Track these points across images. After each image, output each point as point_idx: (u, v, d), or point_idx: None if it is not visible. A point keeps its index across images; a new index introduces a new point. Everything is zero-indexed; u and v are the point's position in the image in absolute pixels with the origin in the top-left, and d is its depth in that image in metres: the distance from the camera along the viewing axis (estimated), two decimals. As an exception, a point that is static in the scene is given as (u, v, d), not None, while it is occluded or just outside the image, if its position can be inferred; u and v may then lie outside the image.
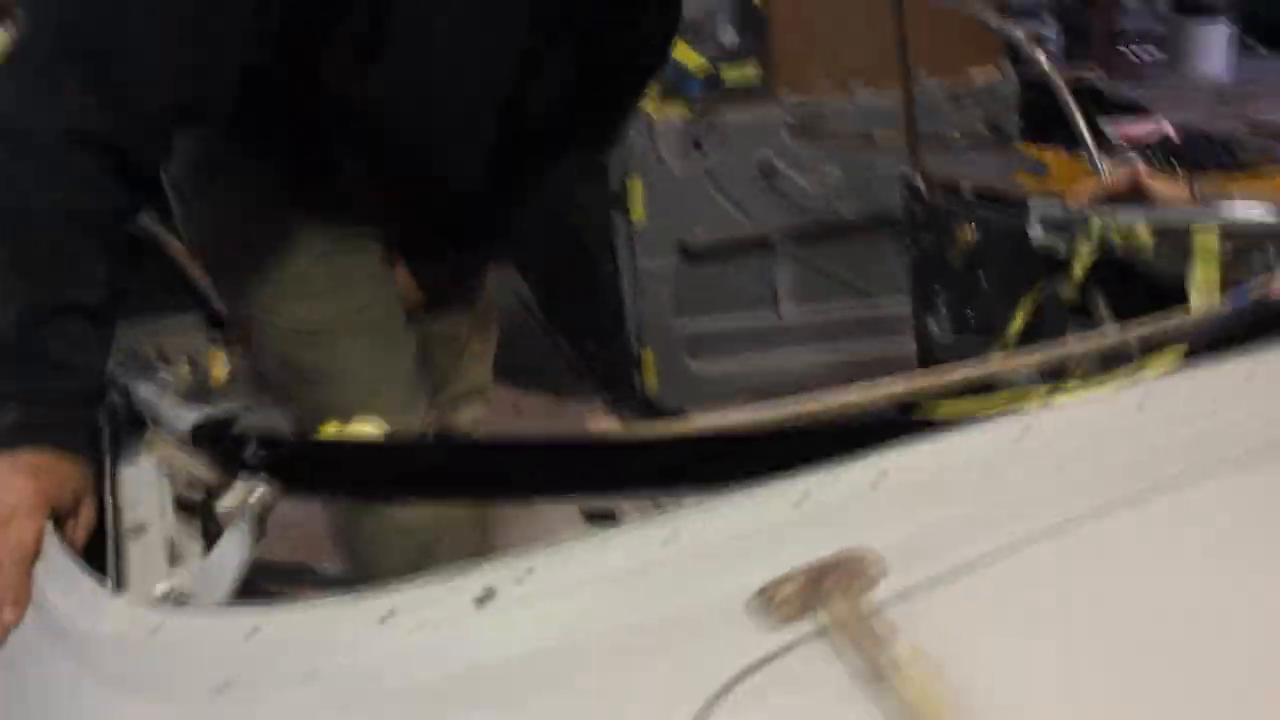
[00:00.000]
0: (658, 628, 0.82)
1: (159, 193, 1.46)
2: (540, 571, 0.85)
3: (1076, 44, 9.42)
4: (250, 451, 0.91)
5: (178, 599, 0.93)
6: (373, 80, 1.39)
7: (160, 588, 0.97)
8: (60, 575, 0.95)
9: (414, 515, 1.46)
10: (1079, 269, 2.01)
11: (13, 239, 1.07)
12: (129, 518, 1.07)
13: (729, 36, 3.37)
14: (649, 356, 3.55)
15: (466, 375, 1.84)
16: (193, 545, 1.02)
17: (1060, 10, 9.65)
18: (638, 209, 3.42)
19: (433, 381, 1.75)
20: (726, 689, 0.76)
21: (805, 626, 0.80)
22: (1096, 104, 4.13)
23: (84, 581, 0.92)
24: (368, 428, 1.00)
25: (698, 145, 3.41)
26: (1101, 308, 2.00)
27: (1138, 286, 1.91)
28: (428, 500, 1.18)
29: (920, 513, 0.90)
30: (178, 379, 1.20)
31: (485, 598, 0.83)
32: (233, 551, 0.92)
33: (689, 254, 3.53)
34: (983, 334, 2.29)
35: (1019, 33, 2.41)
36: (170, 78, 1.16)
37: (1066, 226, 2.04)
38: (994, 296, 2.26)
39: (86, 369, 1.07)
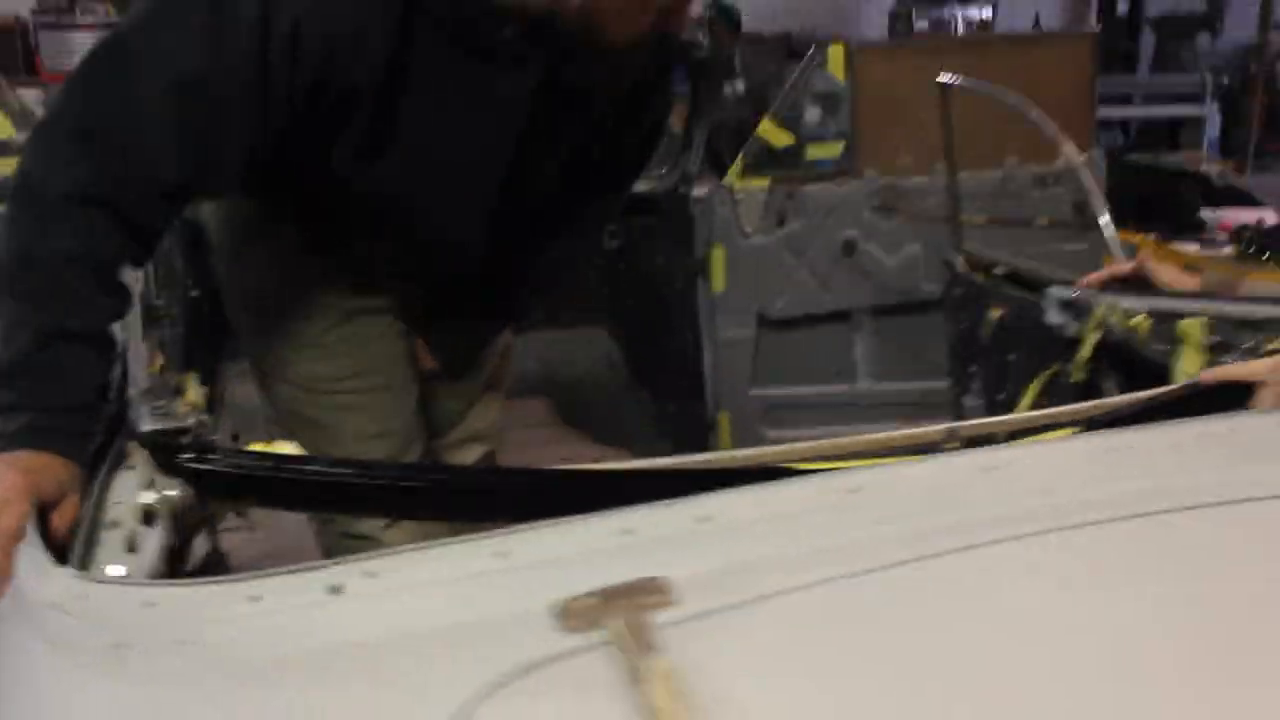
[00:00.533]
0: (471, 627, 0.95)
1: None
2: (385, 572, 1.00)
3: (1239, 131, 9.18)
4: (176, 459, 1.08)
5: (113, 578, 1.10)
6: (377, 173, 1.58)
7: (109, 570, 1.15)
8: (29, 555, 1.14)
9: (366, 525, 1.63)
10: (1085, 350, 2.06)
11: (23, 275, 1.29)
12: (111, 514, 1.26)
13: (813, 115, 3.50)
14: (724, 421, 3.66)
15: (471, 424, 2.01)
16: (152, 539, 1.20)
17: (1223, 95, 9.41)
18: (719, 279, 3.56)
19: (439, 425, 1.92)
20: (504, 682, 0.89)
21: (593, 637, 0.93)
22: (1205, 194, 4.10)
23: (42, 560, 1.11)
24: (288, 447, 1.17)
25: (780, 220, 3.53)
26: (1109, 389, 2.04)
27: (1137, 369, 1.96)
28: (318, 510, 1.34)
29: (731, 551, 1.02)
30: (179, 402, 1.38)
31: (337, 589, 0.98)
32: (152, 541, 1.09)
33: (768, 323, 3.64)
34: (1011, 411, 2.34)
35: (1053, 126, 2.46)
36: (169, 163, 1.38)
37: (1079, 310, 2.09)
38: (1020, 375, 2.32)
39: (83, 386, 1.28)
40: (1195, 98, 9.40)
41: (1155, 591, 1.01)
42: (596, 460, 3.76)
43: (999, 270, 2.42)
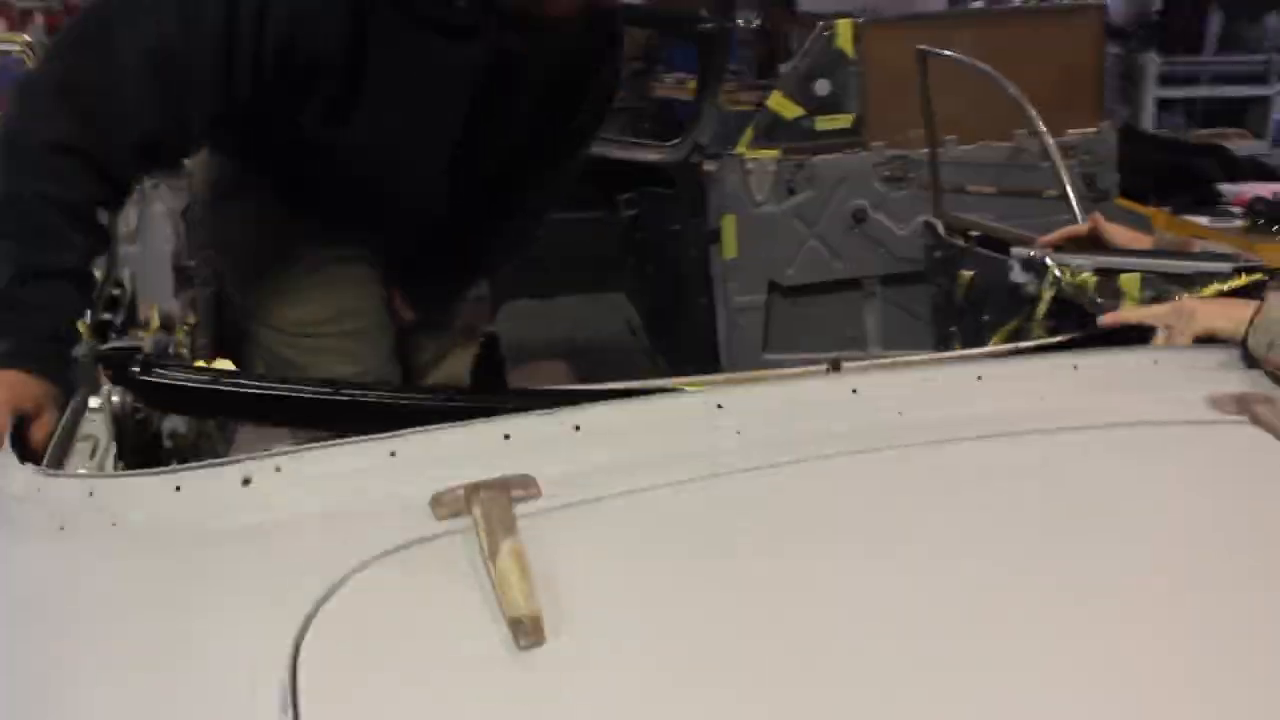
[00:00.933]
0: (358, 514, 1.09)
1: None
2: (290, 466, 1.13)
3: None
4: (124, 373, 1.23)
5: (63, 473, 1.24)
6: (343, 135, 1.72)
7: (72, 468, 1.30)
8: (2, 459, 1.29)
9: None
10: (1042, 307, 2.14)
11: (7, 215, 1.45)
12: (85, 428, 1.41)
13: (824, 88, 3.57)
14: (737, 386, 3.75)
15: (446, 369, 2.15)
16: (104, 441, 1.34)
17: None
18: (730, 246, 3.65)
19: (417, 369, 2.07)
20: (377, 558, 1.02)
21: (461, 523, 1.06)
22: (1228, 168, 4.10)
23: (11, 461, 1.26)
24: (227, 364, 1.32)
25: (790, 189, 3.61)
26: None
27: (1087, 323, 2.04)
28: (244, 419, 1.47)
29: (596, 454, 1.14)
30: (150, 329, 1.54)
31: (248, 480, 1.12)
32: (102, 438, 1.24)
33: (780, 290, 3.73)
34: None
35: (1024, 99, 2.53)
36: (141, 118, 1.53)
37: (1038, 270, 2.17)
38: (992, 333, 2.40)
39: (59, 316, 1.43)
40: (1261, 78, 9.22)
41: (967, 506, 1.11)
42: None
43: (973, 233, 2.50)
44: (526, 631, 0.94)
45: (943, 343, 2.66)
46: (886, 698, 0.90)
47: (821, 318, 3.76)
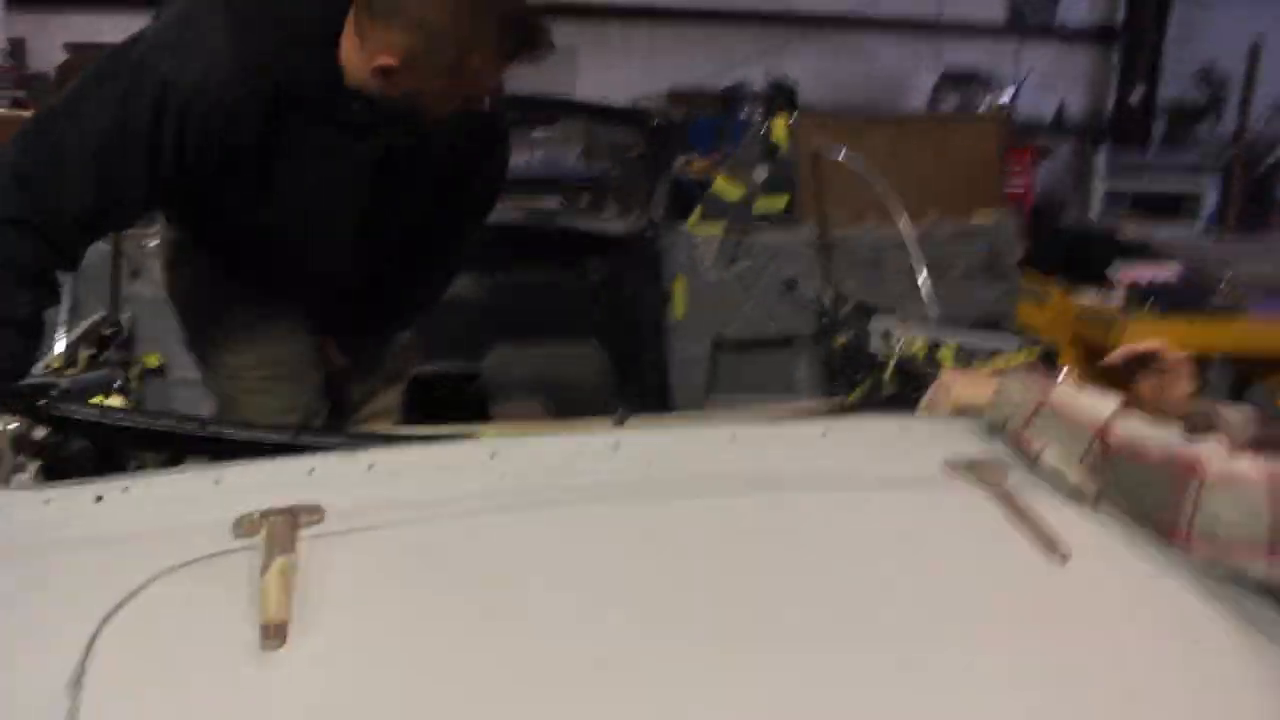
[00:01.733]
0: (172, 530, 1.14)
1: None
2: (136, 488, 1.19)
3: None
4: (25, 406, 1.30)
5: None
6: (260, 213, 1.81)
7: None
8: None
9: None
10: (888, 370, 2.17)
11: None
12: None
13: (761, 174, 3.61)
14: (684, 425, 3.78)
15: (375, 406, 2.20)
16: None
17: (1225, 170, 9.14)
18: (680, 307, 3.69)
19: (349, 406, 2.13)
20: (176, 566, 1.07)
21: (252, 541, 1.11)
22: (1121, 250, 4.09)
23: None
24: (116, 401, 1.38)
25: (732, 259, 3.65)
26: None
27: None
28: (120, 446, 1.52)
29: (381, 490, 1.19)
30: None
31: (100, 498, 1.18)
32: (4, 459, 1.30)
33: (723, 345, 3.76)
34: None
35: (885, 188, 2.55)
36: (78, 198, 1.58)
37: (891, 339, 2.20)
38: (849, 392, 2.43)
39: (9, 359, 1.49)
40: (1195, 172, 9.19)
41: (678, 556, 1.14)
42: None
43: (850, 305, 2.52)
44: (270, 635, 0.98)
45: (828, 395, 2.68)
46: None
47: (757, 369, 3.78)
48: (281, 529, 1.10)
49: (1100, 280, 3.83)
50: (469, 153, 1.96)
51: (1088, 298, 3.62)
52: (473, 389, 3.98)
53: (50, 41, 9.16)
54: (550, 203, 7.15)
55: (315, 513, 1.14)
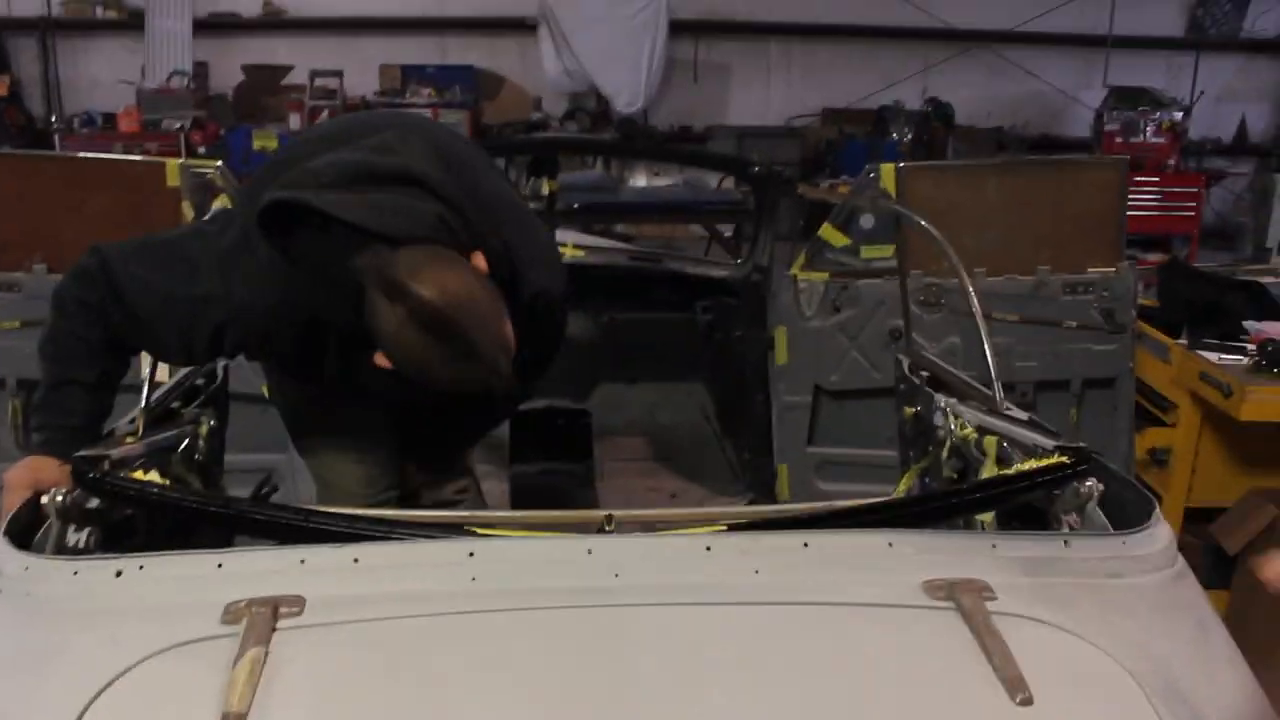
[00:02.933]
0: (171, 608, 1.25)
1: None
2: (150, 566, 1.32)
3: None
4: (74, 475, 1.45)
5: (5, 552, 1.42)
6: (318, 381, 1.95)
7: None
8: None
9: None
10: (944, 450, 2.12)
11: (49, 350, 1.75)
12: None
13: (868, 221, 3.56)
14: (784, 471, 3.77)
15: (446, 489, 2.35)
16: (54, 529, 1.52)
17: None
18: (782, 353, 3.68)
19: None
20: (165, 648, 1.18)
21: (236, 628, 1.21)
22: (1258, 302, 3.82)
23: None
24: (154, 476, 1.52)
25: (836, 307, 3.62)
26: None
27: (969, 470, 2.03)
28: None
29: (361, 585, 1.27)
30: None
31: (120, 573, 1.31)
32: (52, 528, 1.45)
33: (825, 393, 3.73)
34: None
35: (945, 241, 2.48)
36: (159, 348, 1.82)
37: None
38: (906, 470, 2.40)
39: (77, 415, 1.68)
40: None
41: (634, 665, 1.17)
42: (672, 495, 3.96)
43: (924, 374, 2.47)
44: (229, 726, 1.08)
45: (903, 463, 2.63)
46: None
47: (859, 420, 3.72)
48: (261, 620, 1.20)
49: (1234, 335, 3.59)
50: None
51: (1213, 356, 3.39)
52: (579, 425, 4.08)
53: (230, 64, 9.92)
54: (694, 230, 7.24)
55: (296, 604, 1.23)
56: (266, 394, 2.35)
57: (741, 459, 3.96)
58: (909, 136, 8.93)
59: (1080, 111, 10.33)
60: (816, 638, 1.25)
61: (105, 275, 1.74)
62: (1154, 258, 4.65)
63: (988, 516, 1.78)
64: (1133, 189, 7.65)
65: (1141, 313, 3.77)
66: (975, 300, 2.28)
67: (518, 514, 1.53)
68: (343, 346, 1.83)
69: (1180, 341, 3.60)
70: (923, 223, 2.53)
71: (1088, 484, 1.56)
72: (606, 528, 1.41)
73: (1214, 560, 3.54)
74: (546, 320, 2.05)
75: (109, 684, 1.15)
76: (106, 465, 1.54)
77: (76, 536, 1.53)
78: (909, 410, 2.43)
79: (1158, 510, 1.55)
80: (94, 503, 1.50)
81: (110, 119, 9.22)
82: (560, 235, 3.75)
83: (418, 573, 1.28)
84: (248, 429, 3.23)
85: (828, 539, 1.36)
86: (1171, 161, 8.80)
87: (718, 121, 10.82)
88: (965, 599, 1.29)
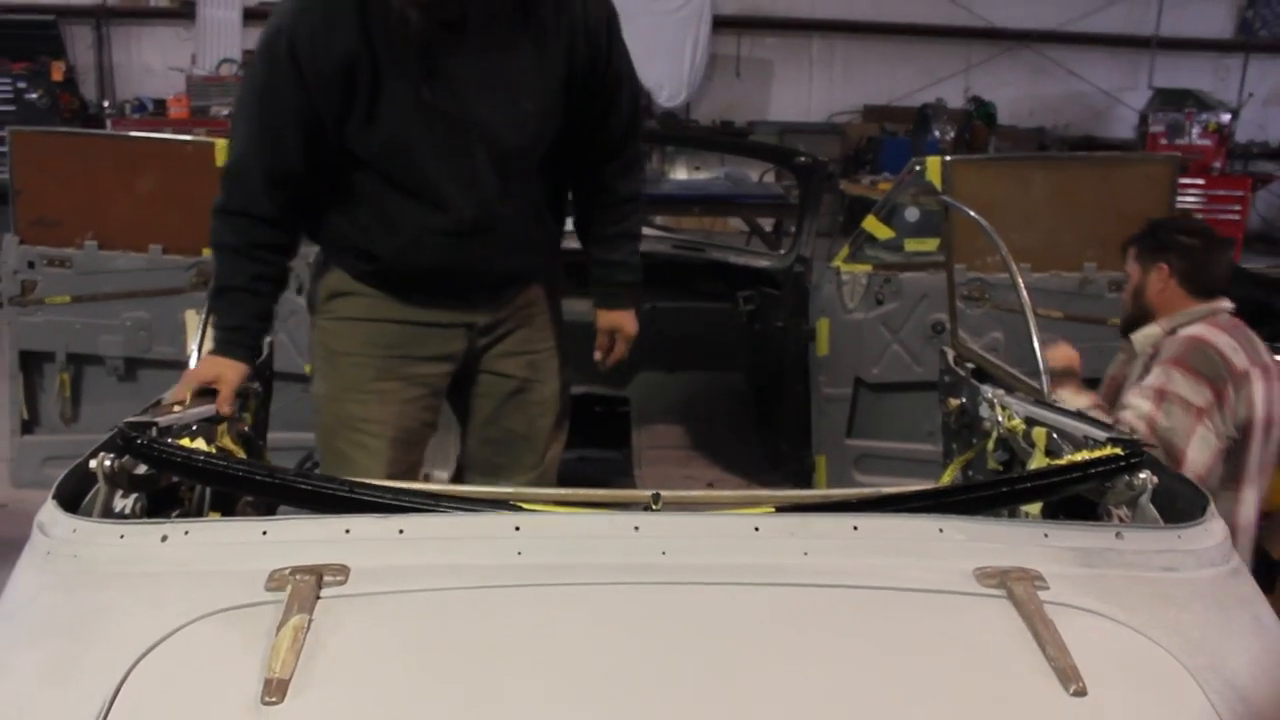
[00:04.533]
0: (215, 574, 1.24)
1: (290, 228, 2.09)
2: (195, 531, 1.30)
3: None
4: (121, 440, 1.44)
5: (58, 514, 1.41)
6: (389, 132, 1.96)
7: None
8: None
9: None
10: (990, 442, 2.07)
11: (215, 255, 2.06)
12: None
13: (913, 214, 3.51)
14: (821, 463, 3.73)
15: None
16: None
17: None
18: (824, 345, 3.64)
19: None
20: (210, 612, 1.17)
21: (279, 595, 1.19)
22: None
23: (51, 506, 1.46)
24: (200, 443, 1.51)
25: (879, 300, 3.57)
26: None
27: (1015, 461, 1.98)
28: (208, 483, 1.63)
29: (406, 556, 1.25)
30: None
31: (165, 538, 1.29)
32: (102, 489, 1.44)
33: (865, 386, 3.68)
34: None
35: (992, 230, 2.43)
36: (254, 160, 1.97)
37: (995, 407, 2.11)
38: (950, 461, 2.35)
39: (238, 315, 2.01)
40: None
41: (679, 646, 1.15)
42: (709, 484, 3.92)
43: (970, 365, 2.42)
44: (271, 690, 1.06)
45: (946, 455, 2.58)
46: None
47: (900, 413, 3.67)
48: (305, 588, 1.18)
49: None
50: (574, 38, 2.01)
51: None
52: (618, 413, 4.06)
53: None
54: (735, 223, 7.18)
55: (341, 573, 1.21)
56: (308, 372, 2.31)
57: (780, 450, 3.92)
58: (950, 135, 8.82)
59: (1124, 113, 10.17)
60: (865, 621, 1.22)
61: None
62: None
63: (1035, 509, 1.74)
64: (1177, 192, 7.59)
65: (1189, 313, 3.68)
66: (1024, 291, 2.23)
67: (564, 491, 1.50)
68: (405, 55, 1.88)
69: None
70: (970, 213, 2.48)
71: (1141, 476, 1.51)
72: (653, 506, 1.37)
73: (1259, 566, 3.45)
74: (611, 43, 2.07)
75: (152, 647, 1.13)
76: (154, 432, 1.53)
77: (124, 503, 1.53)
78: (953, 402, 2.39)
79: (1211, 505, 1.50)
80: (141, 469, 1.49)
81: (161, 105, 9.33)
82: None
83: (463, 546, 1.26)
84: (289, 408, 3.25)
85: (877, 523, 1.32)
86: (1217, 164, 8.63)
87: (759, 117, 10.76)
88: (1017, 587, 1.25)
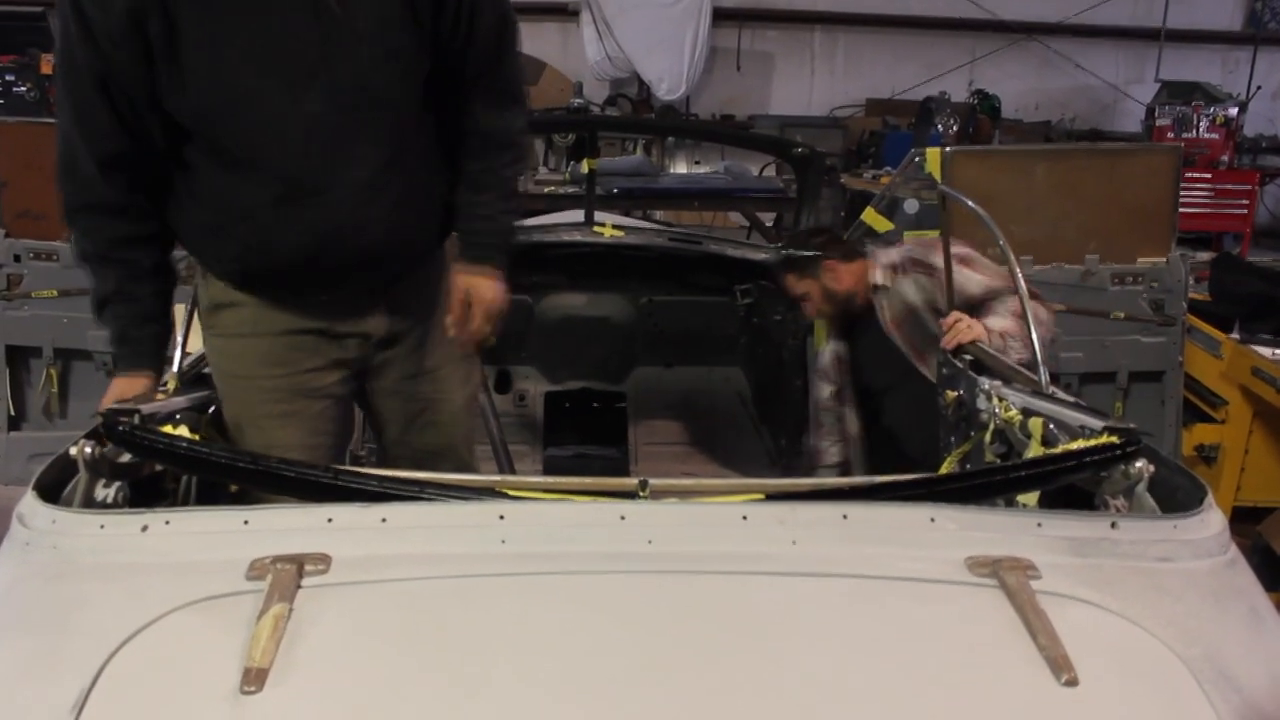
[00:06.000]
0: (197, 564, 1.24)
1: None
2: (177, 521, 1.30)
3: None
4: (103, 426, 1.44)
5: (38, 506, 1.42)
6: (192, 101, 1.73)
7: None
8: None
9: None
10: (987, 434, 2.08)
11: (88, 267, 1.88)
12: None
13: (912, 206, 3.50)
14: (820, 459, 3.72)
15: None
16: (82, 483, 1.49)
17: None
18: (821, 340, 3.63)
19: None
20: (189, 601, 1.17)
21: (260, 584, 1.19)
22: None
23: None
24: (184, 430, 1.51)
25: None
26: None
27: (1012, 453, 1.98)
28: (179, 469, 1.62)
29: (386, 545, 1.25)
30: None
31: (145, 528, 1.29)
32: (82, 480, 1.44)
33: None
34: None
35: (989, 219, 2.43)
36: (79, 146, 1.77)
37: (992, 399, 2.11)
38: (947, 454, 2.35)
39: (118, 325, 1.86)
40: None
41: (655, 634, 1.15)
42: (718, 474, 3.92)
43: (967, 358, 2.42)
44: (251, 680, 1.06)
45: (945, 448, 2.57)
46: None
47: (899, 409, 3.65)
48: (286, 577, 1.18)
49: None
50: None
51: (1266, 351, 3.31)
52: (614, 408, 4.05)
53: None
54: (735, 218, 7.18)
55: (323, 562, 1.22)
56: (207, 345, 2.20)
57: (778, 445, 3.92)
58: (954, 128, 8.81)
59: (1130, 106, 10.17)
60: (853, 611, 1.22)
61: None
62: (1204, 256, 4.56)
63: (1031, 499, 1.74)
64: (1183, 185, 7.57)
65: (1193, 307, 3.69)
66: (1021, 281, 2.23)
67: (550, 479, 1.49)
68: (181, 22, 1.68)
69: (1233, 336, 3.52)
70: (969, 203, 2.48)
71: (1137, 465, 1.51)
72: (640, 494, 1.37)
73: (1263, 560, 3.45)
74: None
75: (131, 637, 1.14)
76: (136, 419, 1.53)
77: (105, 492, 1.53)
78: (950, 394, 2.38)
79: (1210, 496, 1.49)
80: (125, 457, 1.49)
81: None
82: (598, 216, 3.72)
83: (447, 534, 1.26)
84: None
85: (868, 511, 1.32)
86: (1224, 158, 8.63)
87: (760, 111, 10.75)
88: (1009, 576, 1.25)
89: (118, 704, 1.06)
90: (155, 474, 1.59)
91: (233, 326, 1.94)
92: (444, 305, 2.01)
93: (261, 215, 1.82)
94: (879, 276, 3.00)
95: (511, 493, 1.36)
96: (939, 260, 2.71)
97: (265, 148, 1.78)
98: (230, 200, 1.83)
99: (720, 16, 10.39)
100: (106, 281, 1.86)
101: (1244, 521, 3.63)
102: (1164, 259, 3.34)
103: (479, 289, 1.99)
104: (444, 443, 2.13)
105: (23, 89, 8.41)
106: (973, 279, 2.74)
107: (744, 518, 1.29)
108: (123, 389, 1.79)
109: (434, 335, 2.05)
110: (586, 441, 3.89)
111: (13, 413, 3.58)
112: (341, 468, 1.48)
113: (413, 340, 2.05)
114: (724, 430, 4.10)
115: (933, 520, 1.33)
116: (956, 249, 2.70)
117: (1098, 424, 1.64)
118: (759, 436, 4.06)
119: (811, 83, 11.08)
